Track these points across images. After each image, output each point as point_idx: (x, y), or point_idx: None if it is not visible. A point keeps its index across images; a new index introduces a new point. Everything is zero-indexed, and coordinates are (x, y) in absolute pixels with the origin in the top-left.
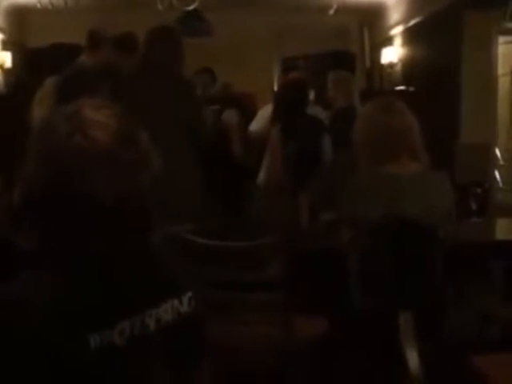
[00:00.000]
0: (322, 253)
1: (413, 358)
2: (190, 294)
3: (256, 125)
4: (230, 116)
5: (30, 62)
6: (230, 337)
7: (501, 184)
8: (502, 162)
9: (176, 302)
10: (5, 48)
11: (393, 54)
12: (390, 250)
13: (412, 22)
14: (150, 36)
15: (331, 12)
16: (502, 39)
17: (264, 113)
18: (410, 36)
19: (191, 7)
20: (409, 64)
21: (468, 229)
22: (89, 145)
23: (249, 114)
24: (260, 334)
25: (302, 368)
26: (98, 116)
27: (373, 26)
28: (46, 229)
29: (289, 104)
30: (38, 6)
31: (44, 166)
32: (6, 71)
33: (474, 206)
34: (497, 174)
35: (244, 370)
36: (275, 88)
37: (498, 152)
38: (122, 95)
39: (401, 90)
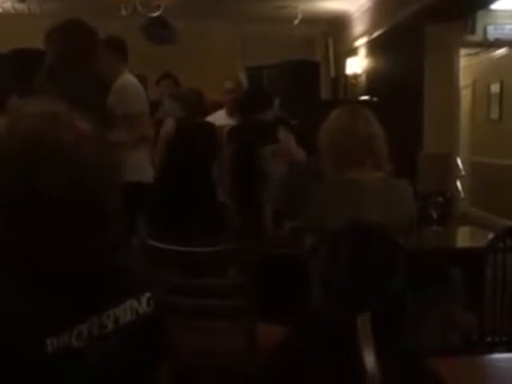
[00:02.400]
0: (285, 259)
1: (370, 360)
2: (148, 294)
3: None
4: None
5: None
6: (192, 345)
7: (462, 194)
8: (463, 173)
9: (134, 302)
10: None
11: (357, 64)
12: (350, 256)
13: (376, 34)
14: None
15: (296, 22)
16: (463, 51)
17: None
18: (374, 47)
19: (155, 14)
20: (373, 75)
21: (429, 237)
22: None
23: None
24: (222, 343)
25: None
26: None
27: (338, 37)
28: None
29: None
30: (0, 10)
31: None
32: None
33: (435, 215)
34: (458, 184)
35: (208, 378)
36: None
37: (459, 163)
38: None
39: (365, 100)
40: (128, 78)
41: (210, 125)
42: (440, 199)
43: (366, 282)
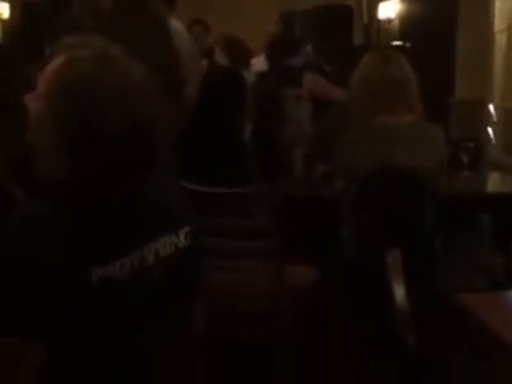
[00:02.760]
0: (316, 201)
1: (400, 293)
2: (187, 228)
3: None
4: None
5: (25, 13)
6: (222, 284)
7: (494, 141)
8: (495, 119)
9: (173, 236)
10: None
11: (390, 8)
12: (380, 197)
13: None
14: None
15: None
16: None
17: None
18: None
19: None
20: (406, 19)
21: (459, 182)
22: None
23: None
24: (252, 282)
25: (291, 318)
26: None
27: None
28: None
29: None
30: None
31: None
32: (4, 22)
33: (465, 160)
34: (490, 130)
35: (235, 318)
36: None
37: (492, 109)
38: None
39: (397, 45)
40: (178, 27)
41: (238, 71)
42: (471, 144)
43: (396, 223)
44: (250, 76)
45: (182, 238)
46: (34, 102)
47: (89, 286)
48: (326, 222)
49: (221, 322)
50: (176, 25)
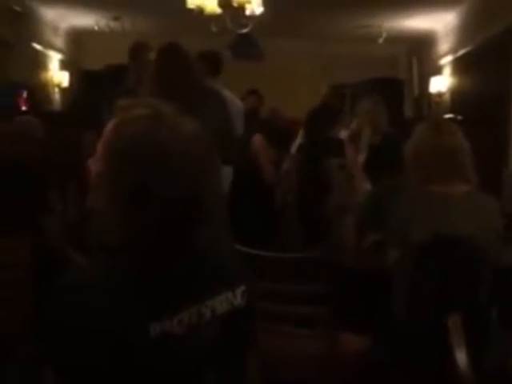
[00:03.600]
0: (369, 272)
1: (462, 358)
2: (243, 287)
3: None
4: (258, 139)
5: (85, 83)
6: (274, 349)
7: None
8: None
9: (230, 294)
10: (62, 68)
11: (441, 83)
12: (437, 270)
13: (462, 52)
14: (160, 53)
15: (380, 41)
16: None
17: None
18: (460, 65)
19: (244, 30)
20: (457, 93)
21: None
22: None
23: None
24: (304, 348)
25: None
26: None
27: (422, 56)
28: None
29: (315, 124)
30: (96, 28)
31: (181, 178)
32: (63, 90)
33: None
34: None
35: (286, 381)
36: None
37: None
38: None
39: (449, 118)
40: (228, 94)
41: None
42: None
43: (452, 294)
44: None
45: (238, 297)
46: (94, 165)
47: (148, 341)
48: (378, 291)
49: None
50: (226, 93)
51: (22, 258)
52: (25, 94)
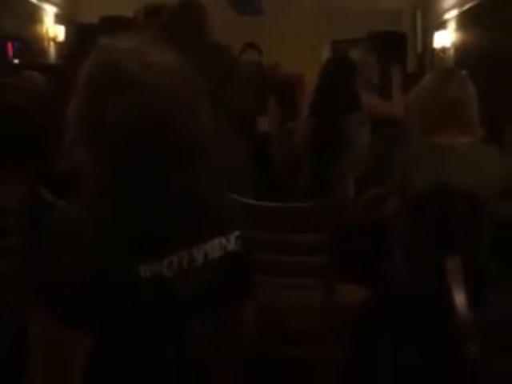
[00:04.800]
0: (369, 223)
1: (461, 301)
2: (237, 233)
3: None
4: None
5: (81, 37)
6: (273, 299)
7: None
8: None
9: (223, 239)
10: (58, 21)
11: (446, 38)
12: (437, 219)
13: (467, 6)
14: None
15: None
16: None
17: None
18: (465, 20)
19: None
20: (462, 48)
21: None
22: (165, 88)
23: (288, 104)
24: (302, 298)
25: (342, 334)
26: (165, 57)
27: (426, 10)
28: (117, 166)
29: (332, 80)
30: None
31: (133, 110)
32: (59, 44)
33: None
34: None
35: (286, 332)
36: None
37: None
38: None
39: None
40: None
41: None
42: None
43: (451, 245)
44: None
45: (232, 242)
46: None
47: (139, 281)
48: (377, 242)
49: (271, 338)
50: None
51: (16, 204)
52: (18, 46)
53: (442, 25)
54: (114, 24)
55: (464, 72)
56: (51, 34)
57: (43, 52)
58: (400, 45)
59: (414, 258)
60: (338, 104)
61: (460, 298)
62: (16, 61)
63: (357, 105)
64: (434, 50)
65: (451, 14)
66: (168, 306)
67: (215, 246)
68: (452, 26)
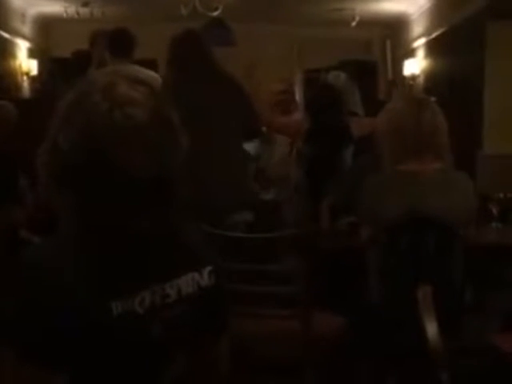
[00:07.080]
0: (342, 251)
1: (432, 330)
2: (210, 267)
3: None
4: None
5: (54, 71)
6: (247, 329)
7: None
8: None
9: (196, 274)
10: (31, 56)
11: (415, 65)
12: (410, 247)
13: (434, 34)
14: (175, 42)
15: (353, 24)
16: None
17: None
18: (433, 48)
19: (215, 13)
20: (431, 75)
21: (488, 233)
22: (126, 122)
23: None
24: (277, 328)
25: (318, 363)
26: (135, 93)
27: (395, 39)
28: (79, 198)
29: (320, 107)
30: (64, 15)
31: (83, 139)
32: (32, 78)
33: (495, 211)
34: None
35: (260, 363)
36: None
37: None
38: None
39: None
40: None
41: None
42: (501, 195)
43: (425, 272)
44: None
45: (205, 277)
46: None
47: (111, 319)
48: (351, 270)
49: (244, 368)
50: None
51: None
52: None
53: (411, 53)
54: (86, 58)
55: (433, 99)
56: (24, 68)
57: (17, 86)
58: (371, 73)
59: (387, 286)
60: (333, 137)
61: (431, 327)
62: None
63: (350, 136)
64: (404, 77)
65: (420, 42)
66: (141, 342)
67: (188, 281)
68: (421, 53)
